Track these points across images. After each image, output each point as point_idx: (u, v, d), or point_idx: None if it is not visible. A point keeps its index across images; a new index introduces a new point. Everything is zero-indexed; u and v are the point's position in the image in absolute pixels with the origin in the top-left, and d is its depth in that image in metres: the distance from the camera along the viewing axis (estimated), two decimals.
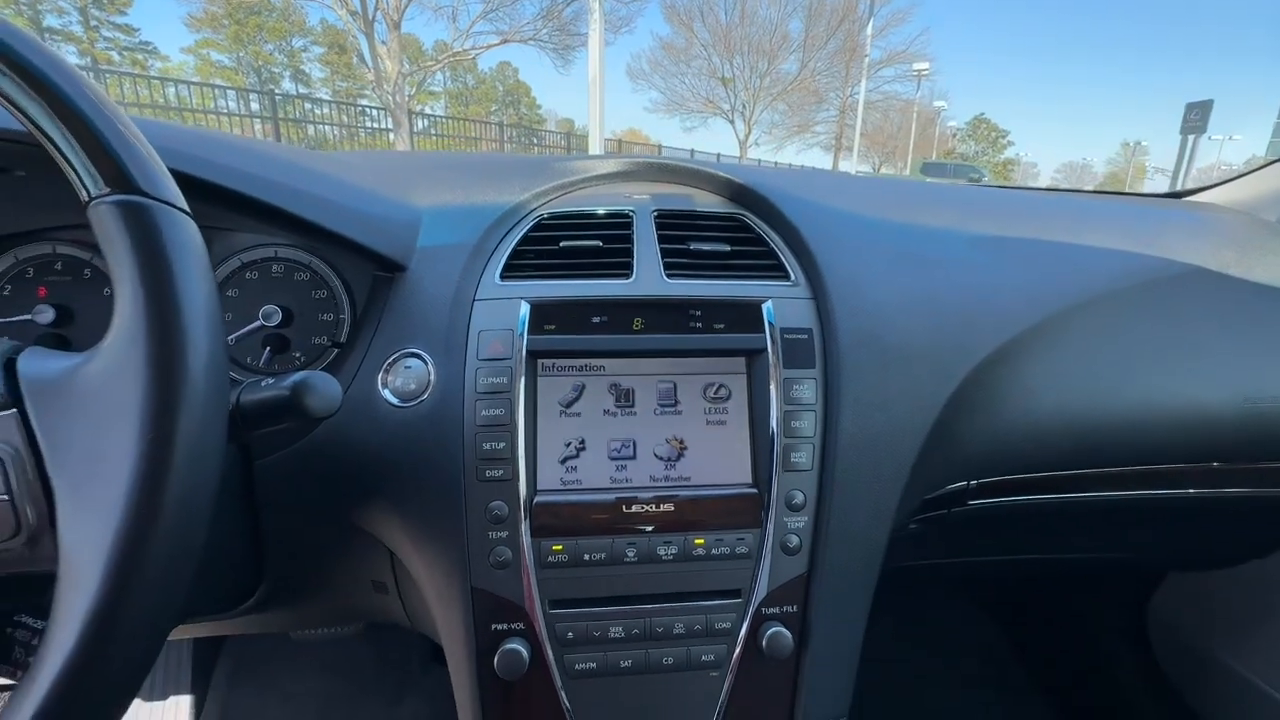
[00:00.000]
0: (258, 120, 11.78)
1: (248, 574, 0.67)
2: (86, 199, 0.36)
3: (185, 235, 0.37)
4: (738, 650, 0.62)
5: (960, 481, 0.78)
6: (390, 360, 0.63)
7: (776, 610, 0.63)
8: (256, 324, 0.68)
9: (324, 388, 0.45)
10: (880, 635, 0.66)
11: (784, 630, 0.61)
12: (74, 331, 0.69)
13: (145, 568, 0.32)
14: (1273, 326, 0.82)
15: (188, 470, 0.33)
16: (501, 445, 0.61)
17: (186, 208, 0.38)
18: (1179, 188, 1.20)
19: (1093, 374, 0.76)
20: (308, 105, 13.60)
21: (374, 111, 14.09)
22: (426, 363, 0.63)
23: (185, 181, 0.40)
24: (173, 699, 1.26)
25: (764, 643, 0.61)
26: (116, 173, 0.36)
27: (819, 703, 0.63)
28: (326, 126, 12.90)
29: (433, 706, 1.30)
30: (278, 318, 0.68)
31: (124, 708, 0.34)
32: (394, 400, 0.62)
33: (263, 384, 0.45)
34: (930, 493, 0.76)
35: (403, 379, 0.62)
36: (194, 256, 0.37)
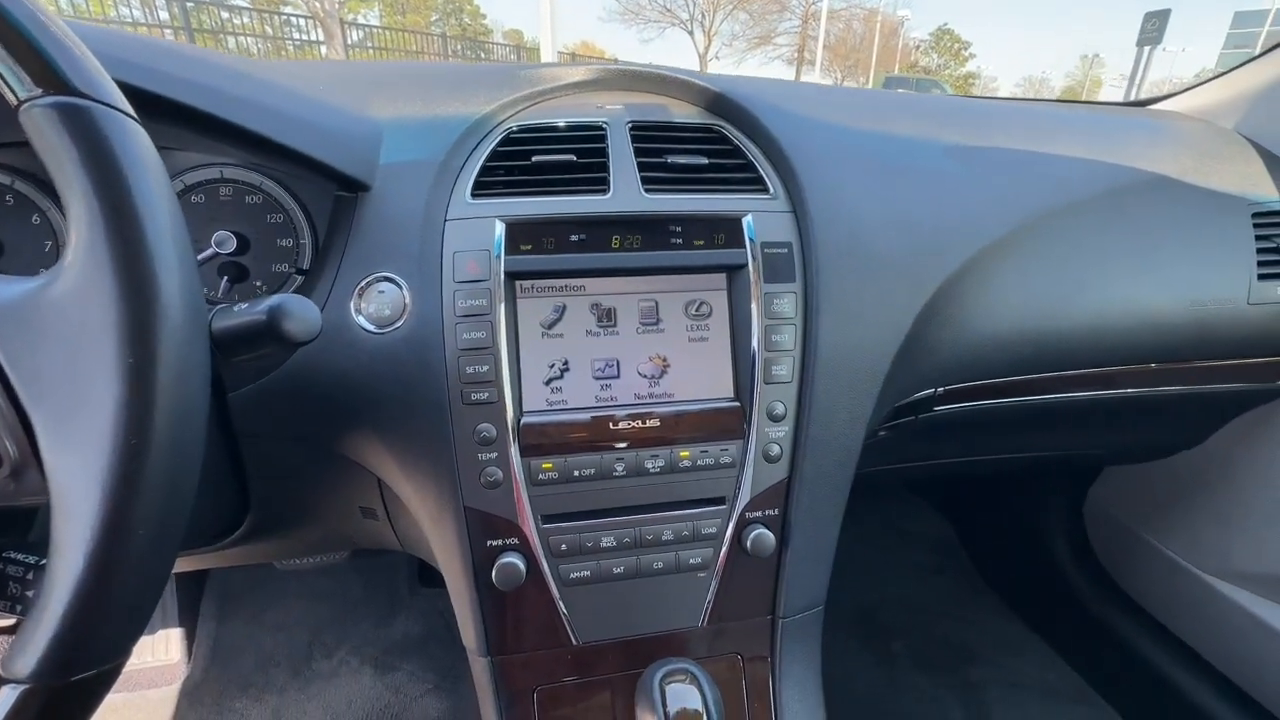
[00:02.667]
0: (168, 30, 10.61)
1: (234, 505, 0.66)
2: (16, 102, 0.32)
3: (137, 141, 0.34)
4: (723, 552, 0.66)
5: (928, 389, 0.82)
6: (362, 285, 0.61)
7: (759, 514, 0.66)
8: (210, 251, 0.64)
9: (302, 312, 0.43)
10: (842, 533, 0.71)
11: (766, 531, 0.65)
12: (3, 263, 0.64)
13: (143, 493, 0.31)
14: (1221, 231, 0.85)
15: (175, 390, 0.32)
16: (485, 369, 0.60)
17: (132, 111, 0.35)
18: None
19: (1056, 282, 0.79)
20: (224, 14, 12.26)
21: (301, 21, 12.85)
22: (401, 287, 0.61)
23: (122, 91, 0.37)
24: (161, 633, 1.28)
25: (748, 544, 0.64)
26: (46, 70, 0.32)
27: (798, 594, 0.68)
28: (248, 39, 11.74)
29: (424, 624, 1.35)
30: (232, 244, 0.64)
31: (136, 634, 0.35)
32: (369, 327, 0.60)
33: (235, 309, 0.43)
34: (900, 400, 0.79)
35: (377, 305, 0.60)
36: (150, 164, 0.34)
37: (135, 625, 0.34)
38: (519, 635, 0.64)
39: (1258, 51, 1.04)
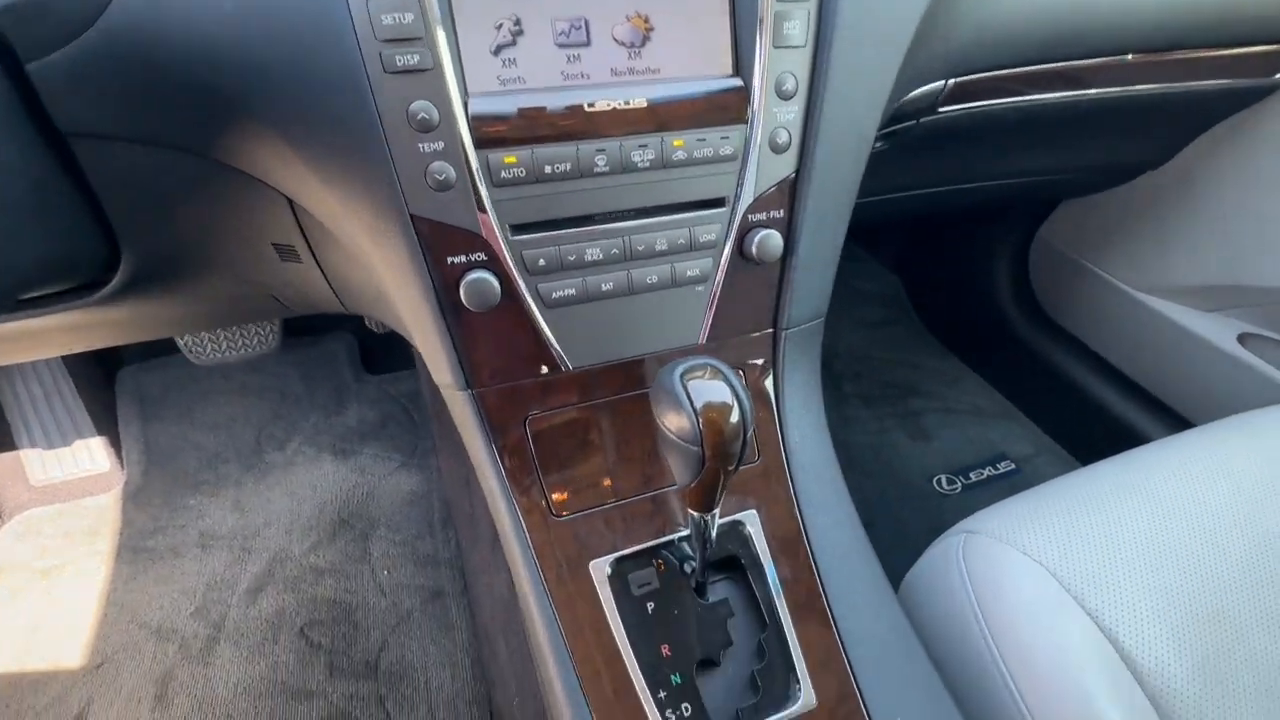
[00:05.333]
0: None
1: (91, 238, 0.51)
2: None
3: None
4: (723, 261, 0.58)
5: (938, 80, 0.71)
6: None
7: (763, 216, 0.57)
8: None
9: None
10: None
11: (774, 233, 0.56)
12: None
13: None
14: None
15: None
16: (409, 18, 0.43)
17: None
18: None
19: None
20: None
21: None
22: None
23: None
24: (79, 442, 1.16)
25: (753, 249, 0.56)
26: None
27: (802, 303, 0.62)
28: None
29: (378, 409, 1.29)
30: None
31: None
32: None
33: None
34: (907, 93, 0.69)
35: None
36: None
37: None
38: (502, 364, 0.56)
39: None
